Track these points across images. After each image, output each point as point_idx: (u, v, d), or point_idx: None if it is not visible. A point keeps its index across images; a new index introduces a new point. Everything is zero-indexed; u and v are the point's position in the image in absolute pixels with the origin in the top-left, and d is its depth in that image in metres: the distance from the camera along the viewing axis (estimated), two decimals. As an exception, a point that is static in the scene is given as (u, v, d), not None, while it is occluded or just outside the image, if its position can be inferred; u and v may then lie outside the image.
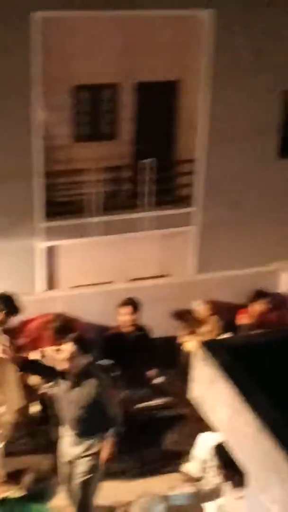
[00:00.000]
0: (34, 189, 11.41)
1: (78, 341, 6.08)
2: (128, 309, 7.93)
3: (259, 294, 8.58)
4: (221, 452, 5.07)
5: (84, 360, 6.04)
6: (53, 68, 11.43)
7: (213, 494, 5.40)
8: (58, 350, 7.19)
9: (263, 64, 11.93)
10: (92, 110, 12.74)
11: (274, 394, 3.94)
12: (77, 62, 11.90)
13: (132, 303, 7.94)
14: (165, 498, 5.07)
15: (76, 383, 6.05)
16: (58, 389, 6.15)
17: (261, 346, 4.63)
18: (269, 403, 3.86)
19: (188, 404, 6.29)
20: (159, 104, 12.78)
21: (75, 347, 5.98)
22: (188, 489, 5.32)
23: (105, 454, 6.03)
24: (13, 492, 6.20)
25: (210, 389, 4.30)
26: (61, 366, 6.09)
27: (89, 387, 6.02)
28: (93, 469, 6.12)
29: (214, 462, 5.53)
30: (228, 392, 4.06)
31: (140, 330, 8.06)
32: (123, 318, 7.97)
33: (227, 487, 5.32)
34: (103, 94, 12.75)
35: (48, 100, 11.44)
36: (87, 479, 6.12)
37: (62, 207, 11.93)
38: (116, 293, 8.34)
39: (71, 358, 5.98)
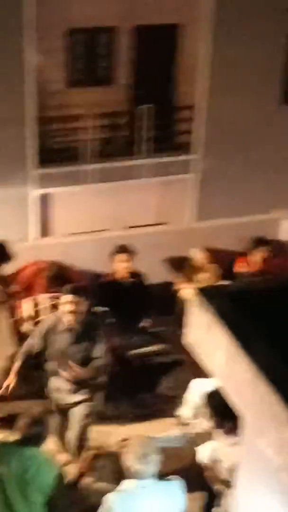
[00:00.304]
0: (27, 136, 11.23)
1: (77, 291, 6.01)
2: (122, 256, 7.84)
3: (259, 242, 8.49)
4: (214, 399, 5.06)
5: (85, 309, 6.00)
6: (47, 10, 11.11)
7: (205, 437, 5.42)
8: (54, 300, 7.15)
9: (267, 9, 11.64)
10: (88, 54, 12.45)
11: (272, 340, 3.89)
12: (73, 4, 11.57)
13: (127, 250, 7.85)
14: (158, 439, 5.09)
15: (80, 336, 6.01)
16: (60, 341, 6.10)
17: (260, 292, 4.57)
18: (267, 349, 3.81)
19: (183, 350, 6.28)
20: (159, 48, 12.49)
21: (76, 298, 5.91)
22: (180, 431, 5.34)
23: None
24: (6, 436, 6.23)
25: (207, 335, 4.24)
26: (63, 318, 6.03)
27: (92, 340, 5.98)
28: (89, 413, 6.17)
29: (207, 408, 5.53)
30: (225, 338, 4.00)
31: (136, 277, 7.99)
32: (118, 265, 7.89)
33: (219, 433, 5.34)
34: (100, 37, 12.44)
35: (42, 44, 11.16)
36: (85, 423, 6.18)
37: (57, 154, 11.76)
38: (111, 241, 8.25)
39: (75, 311, 5.92)
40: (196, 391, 5.78)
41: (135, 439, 4.34)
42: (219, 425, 5.17)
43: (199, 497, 5.62)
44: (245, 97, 12.08)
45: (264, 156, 12.45)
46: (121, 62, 12.48)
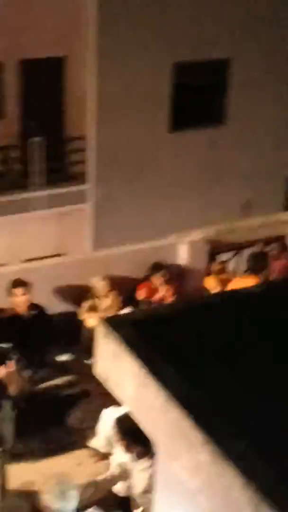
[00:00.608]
0: None
1: None
2: (19, 290, 7.79)
3: (157, 267, 8.64)
4: (124, 423, 5.09)
5: None
6: None
7: (121, 467, 5.43)
8: None
9: (152, 37, 11.94)
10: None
11: (180, 365, 3.97)
12: None
13: (23, 283, 7.80)
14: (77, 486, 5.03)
15: None
16: None
17: (164, 318, 4.65)
18: (175, 374, 3.88)
19: (92, 380, 6.27)
20: (45, 81, 12.55)
21: None
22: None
23: None
24: None
25: (114, 364, 4.27)
26: None
27: None
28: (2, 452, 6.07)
29: (119, 436, 5.55)
30: (133, 366, 4.05)
31: (36, 309, 7.94)
32: (16, 300, 7.82)
33: (131, 458, 5.35)
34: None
35: None
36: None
37: None
38: (9, 275, 8.16)
39: None
40: (107, 421, 5.79)
41: (52, 478, 4.30)
42: (130, 449, 5.20)
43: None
44: (134, 125, 12.30)
45: (158, 182, 12.70)
46: (9, 96, 12.45)
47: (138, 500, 5.25)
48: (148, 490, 4.98)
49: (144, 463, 5.11)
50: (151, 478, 4.84)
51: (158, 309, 5.43)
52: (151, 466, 4.90)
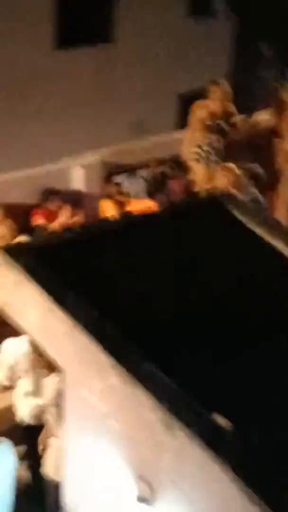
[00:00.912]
0: None
1: None
2: None
3: (51, 192, 8.46)
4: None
5: None
6: None
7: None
8: None
9: None
10: None
11: (83, 289, 3.92)
12: None
13: None
14: None
15: None
16: None
17: (63, 244, 4.57)
18: (79, 299, 3.83)
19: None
20: None
21: None
22: None
23: None
24: None
25: (16, 293, 4.17)
26: None
27: None
28: None
29: (24, 366, 5.48)
30: (36, 294, 3.97)
31: None
32: None
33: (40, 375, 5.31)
34: None
35: None
36: None
37: None
38: None
39: None
40: (10, 352, 5.69)
41: None
42: (38, 364, 5.13)
43: (25, 453, 5.63)
44: (17, 40, 11.69)
45: (46, 103, 12.27)
46: None
47: (46, 415, 5.23)
48: (54, 404, 4.97)
49: (51, 379, 5.08)
50: (58, 394, 4.81)
51: (57, 236, 5.33)
52: (58, 382, 4.87)
